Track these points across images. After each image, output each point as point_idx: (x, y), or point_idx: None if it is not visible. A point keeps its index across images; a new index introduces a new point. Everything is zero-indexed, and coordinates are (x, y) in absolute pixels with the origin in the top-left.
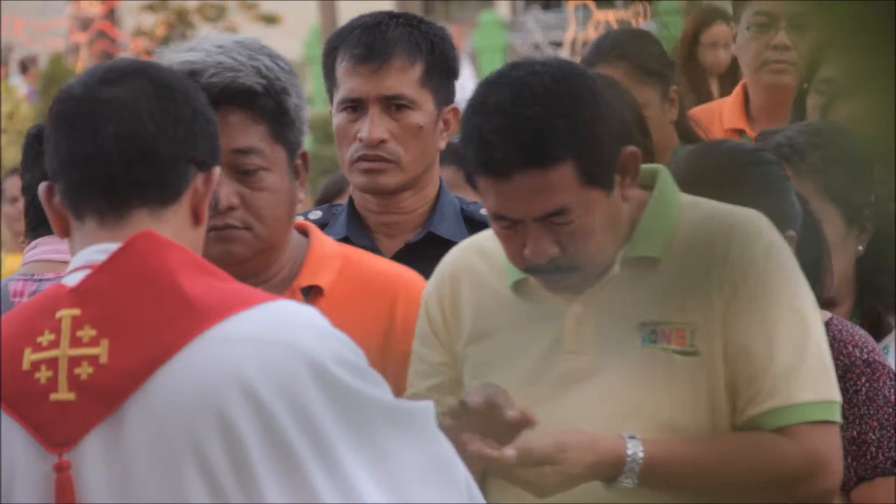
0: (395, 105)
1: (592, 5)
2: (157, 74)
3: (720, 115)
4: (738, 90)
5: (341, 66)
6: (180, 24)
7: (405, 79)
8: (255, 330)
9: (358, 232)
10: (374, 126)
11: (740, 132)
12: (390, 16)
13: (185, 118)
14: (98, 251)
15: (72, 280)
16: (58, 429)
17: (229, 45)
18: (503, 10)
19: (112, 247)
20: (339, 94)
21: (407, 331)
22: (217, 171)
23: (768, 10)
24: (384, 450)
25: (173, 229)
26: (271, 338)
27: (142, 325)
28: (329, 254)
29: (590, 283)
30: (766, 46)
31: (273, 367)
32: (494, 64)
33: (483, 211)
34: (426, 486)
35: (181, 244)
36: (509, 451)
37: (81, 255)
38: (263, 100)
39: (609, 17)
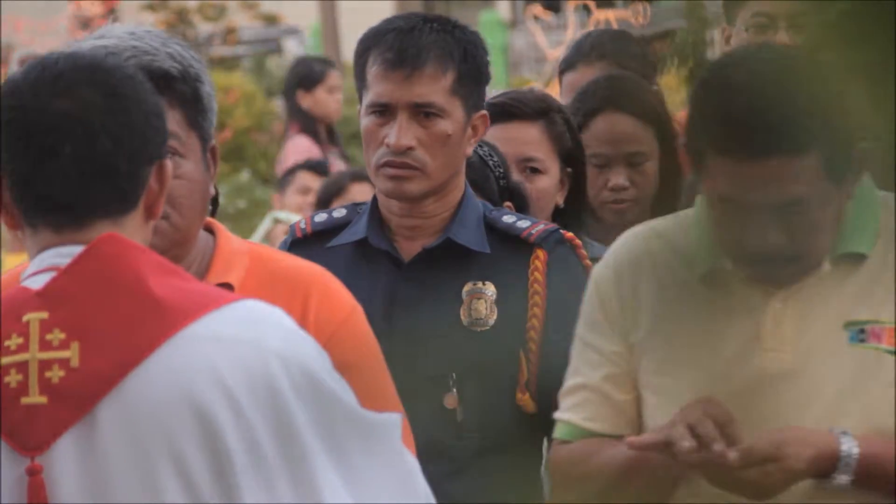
0: (423, 112)
1: (592, 5)
2: (105, 79)
3: None
4: None
5: (372, 70)
6: (180, 24)
7: (436, 87)
8: (228, 329)
9: (377, 234)
10: (401, 133)
11: None
12: (424, 19)
13: (138, 126)
14: (60, 254)
15: (36, 283)
16: (30, 432)
17: (140, 33)
18: (503, 10)
19: (74, 250)
20: (368, 98)
21: (319, 328)
22: (168, 164)
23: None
24: (350, 455)
25: (130, 230)
26: (244, 337)
27: (112, 328)
28: (236, 250)
29: (794, 278)
30: None
31: (247, 366)
32: (495, 63)
33: (505, 219)
34: (391, 495)
35: (142, 245)
36: (732, 454)
37: (42, 257)
38: (180, 84)
39: (609, 17)
